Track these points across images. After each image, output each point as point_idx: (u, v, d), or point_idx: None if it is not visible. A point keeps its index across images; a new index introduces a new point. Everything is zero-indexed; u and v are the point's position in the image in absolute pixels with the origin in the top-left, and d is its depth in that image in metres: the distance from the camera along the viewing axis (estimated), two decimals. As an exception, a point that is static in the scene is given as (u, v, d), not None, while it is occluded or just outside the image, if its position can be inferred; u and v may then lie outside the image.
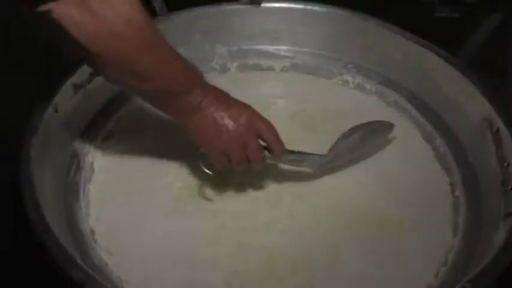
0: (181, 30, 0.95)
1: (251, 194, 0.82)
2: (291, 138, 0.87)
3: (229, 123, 0.75)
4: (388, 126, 0.87)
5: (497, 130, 0.79)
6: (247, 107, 0.77)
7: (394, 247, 0.77)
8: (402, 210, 0.81)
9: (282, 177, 0.84)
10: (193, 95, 0.73)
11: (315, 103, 0.95)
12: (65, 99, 0.80)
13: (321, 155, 0.81)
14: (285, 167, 0.83)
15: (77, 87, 0.82)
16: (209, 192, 0.82)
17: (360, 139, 0.83)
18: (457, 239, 0.77)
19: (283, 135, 0.85)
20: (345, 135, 0.83)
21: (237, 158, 0.76)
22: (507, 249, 0.66)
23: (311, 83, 0.99)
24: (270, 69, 1.00)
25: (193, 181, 0.83)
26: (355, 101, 0.96)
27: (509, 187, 0.74)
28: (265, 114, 0.90)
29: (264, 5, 0.97)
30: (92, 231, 0.76)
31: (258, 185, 0.83)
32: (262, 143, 0.77)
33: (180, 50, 0.87)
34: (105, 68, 0.68)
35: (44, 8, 0.60)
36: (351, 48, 0.98)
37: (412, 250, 0.76)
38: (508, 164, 0.75)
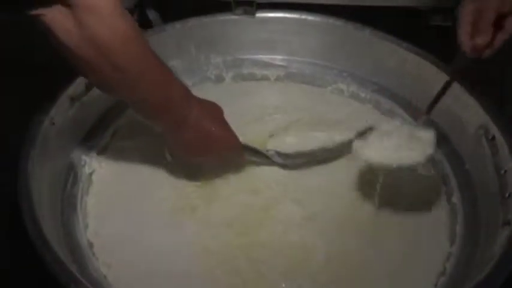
0: (176, 40, 0.95)
1: (246, 204, 0.82)
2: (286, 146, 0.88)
3: (212, 138, 0.79)
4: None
5: (493, 137, 0.79)
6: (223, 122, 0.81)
7: (392, 256, 0.77)
8: (399, 218, 0.81)
9: (276, 185, 0.84)
10: (181, 108, 0.76)
11: (309, 112, 0.95)
12: (62, 111, 0.80)
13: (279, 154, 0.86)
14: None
15: (73, 99, 0.82)
16: (204, 202, 0.82)
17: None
18: (455, 248, 0.77)
19: (279, 145, 0.87)
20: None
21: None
22: (507, 258, 0.66)
23: (306, 91, 0.99)
24: (265, 78, 1.00)
25: (189, 193, 0.83)
26: (350, 110, 0.96)
27: (507, 195, 0.74)
28: (260, 124, 0.90)
29: (258, 15, 0.97)
30: (90, 244, 0.76)
31: (252, 194, 0.83)
32: None
33: (175, 61, 0.88)
34: (90, 75, 0.70)
35: (35, 12, 0.62)
36: (345, 57, 0.98)
37: (411, 259, 0.76)
38: (505, 172, 0.76)
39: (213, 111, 0.80)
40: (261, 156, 0.85)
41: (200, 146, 0.79)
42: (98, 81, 0.71)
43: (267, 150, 0.86)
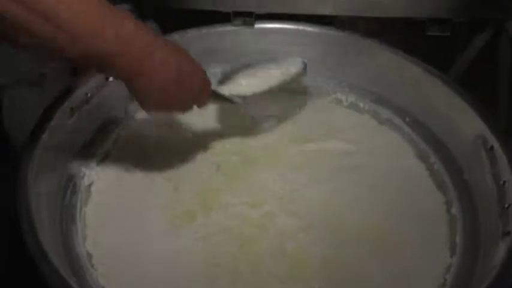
0: (175, 51, 0.95)
1: (244, 214, 0.82)
2: (284, 157, 0.89)
3: (184, 75, 0.74)
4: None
5: (492, 147, 0.79)
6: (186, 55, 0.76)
7: (392, 268, 0.76)
8: (397, 229, 0.80)
9: (274, 195, 0.84)
10: (141, 53, 0.68)
11: (308, 122, 0.95)
12: (61, 121, 0.80)
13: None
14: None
15: (72, 109, 0.82)
16: (203, 210, 0.81)
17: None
18: (455, 258, 0.76)
19: (277, 154, 0.86)
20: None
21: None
22: (507, 269, 0.66)
23: (304, 102, 0.99)
24: (264, 88, 1.00)
25: (188, 202, 0.83)
26: (348, 120, 0.96)
27: (506, 205, 0.73)
28: (258, 134, 0.91)
29: (257, 25, 0.98)
30: (89, 255, 0.76)
31: (250, 205, 0.83)
32: None
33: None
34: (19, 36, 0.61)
35: None
36: (343, 67, 0.98)
37: (411, 270, 0.76)
38: (504, 182, 0.75)
39: (175, 45, 0.74)
40: (220, 99, 0.85)
41: (174, 89, 0.73)
42: (32, 42, 0.62)
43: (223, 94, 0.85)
